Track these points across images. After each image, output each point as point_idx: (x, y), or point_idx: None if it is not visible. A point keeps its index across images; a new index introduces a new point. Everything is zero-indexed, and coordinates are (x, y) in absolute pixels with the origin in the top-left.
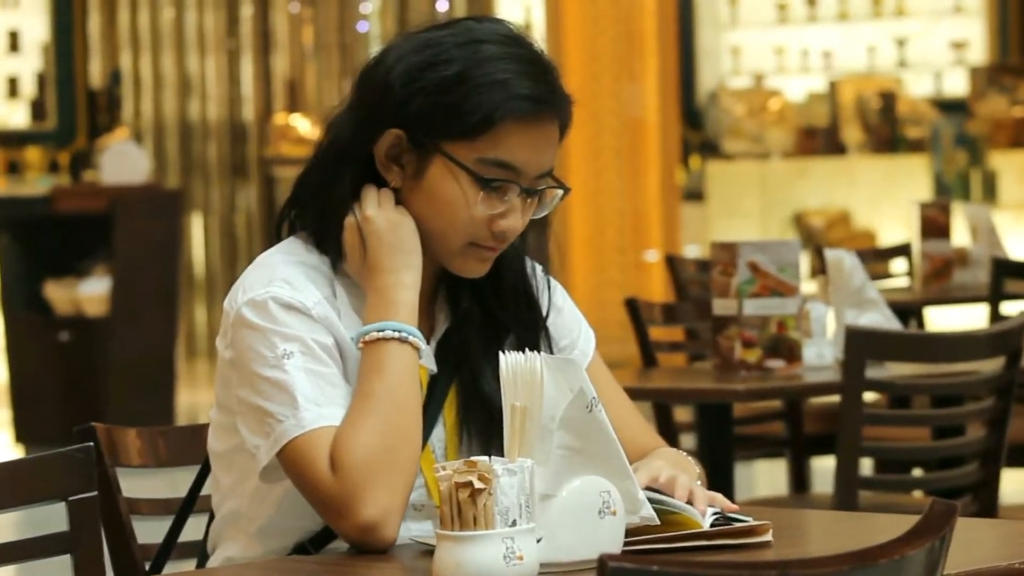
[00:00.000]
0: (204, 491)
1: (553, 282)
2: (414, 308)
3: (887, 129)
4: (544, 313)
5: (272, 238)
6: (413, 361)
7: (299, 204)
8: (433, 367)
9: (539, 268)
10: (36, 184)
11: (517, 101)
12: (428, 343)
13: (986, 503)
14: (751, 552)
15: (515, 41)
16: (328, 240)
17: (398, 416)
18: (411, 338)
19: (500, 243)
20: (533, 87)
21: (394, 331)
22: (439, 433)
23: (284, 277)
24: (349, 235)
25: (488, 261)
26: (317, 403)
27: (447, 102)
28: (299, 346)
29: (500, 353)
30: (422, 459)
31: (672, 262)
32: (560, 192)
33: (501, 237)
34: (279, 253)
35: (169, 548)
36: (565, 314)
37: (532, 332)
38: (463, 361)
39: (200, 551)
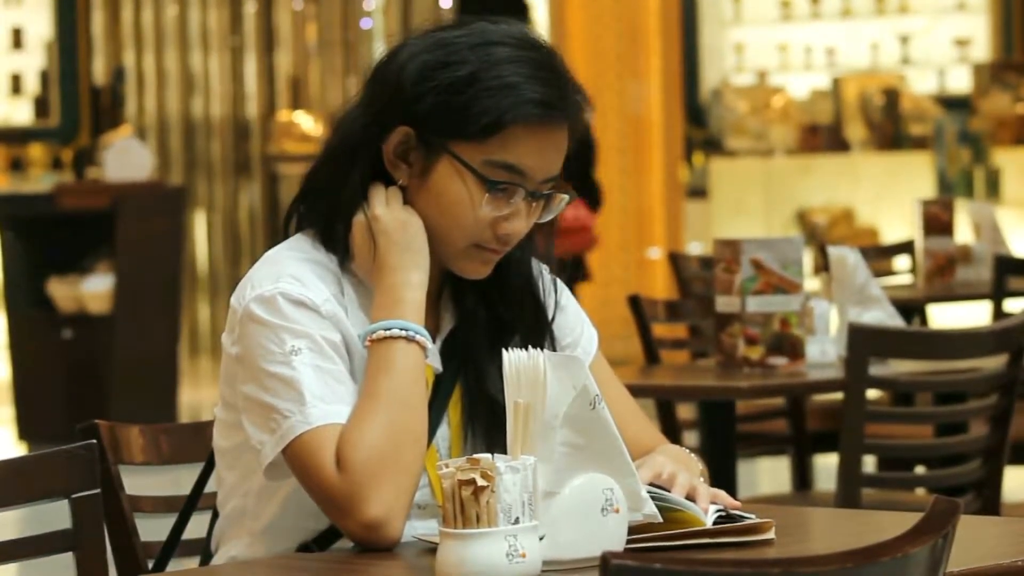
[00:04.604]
0: (208, 488)
1: (558, 282)
2: (421, 307)
3: (890, 126)
4: (550, 316)
5: (278, 235)
6: (420, 360)
7: (307, 200)
8: (438, 366)
9: (545, 269)
10: (39, 181)
11: (527, 106)
12: (433, 342)
13: (989, 501)
14: (754, 550)
15: (529, 45)
16: (335, 238)
17: (404, 415)
18: (418, 337)
19: (503, 246)
20: (544, 92)
21: (401, 329)
22: (444, 432)
23: (293, 273)
24: (358, 234)
25: (491, 263)
26: (324, 400)
27: (457, 103)
28: (307, 343)
29: (504, 350)
30: (426, 458)
31: (675, 259)
32: (566, 197)
33: (505, 240)
34: (287, 250)
35: (173, 546)
36: (568, 313)
37: (537, 334)
38: (468, 361)
39: (203, 549)
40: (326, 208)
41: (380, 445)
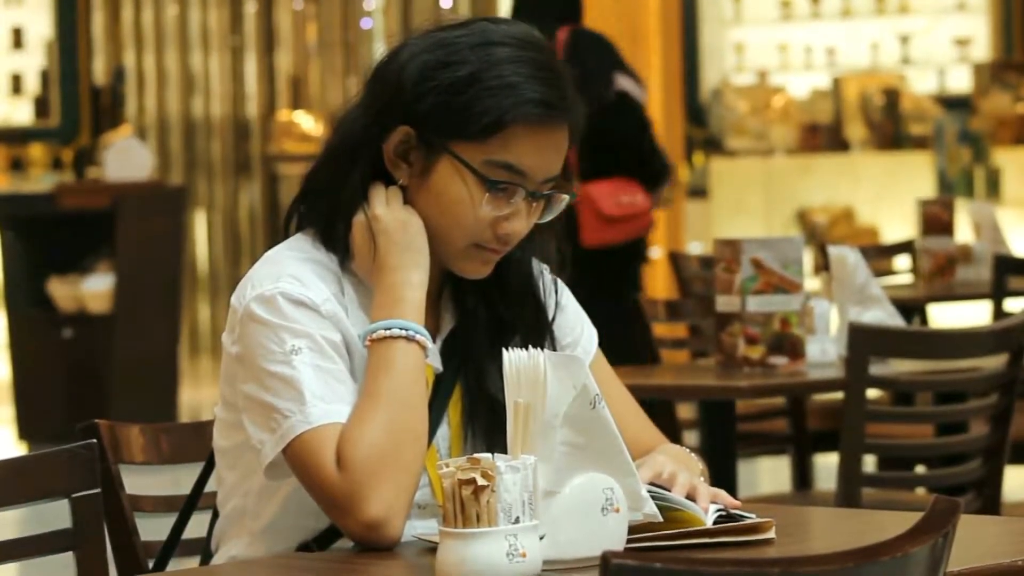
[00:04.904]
0: (208, 488)
1: (558, 282)
2: (421, 307)
3: (890, 126)
4: (551, 316)
5: (279, 234)
6: (420, 360)
7: (308, 200)
8: (439, 366)
9: (546, 269)
10: (40, 181)
11: (527, 105)
12: (434, 342)
13: (989, 500)
14: (754, 549)
15: (529, 45)
16: (335, 237)
17: (404, 414)
18: (418, 336)
19: (503, 246)
20: (544, 92)
21: (401, 329)
22: (444, 432)
23: (293, 273)
24: (358, 234)
25: (490, 263)
26: (324, 399)
27: (457, 103)
28: (307, 342)
29: (504, 350)
30: (426, 458)
31: (676, 259)
32: (566, 197)
33: (504, 240)
34: (287, 249)
35: (173, 546)
36: (568, 313)
37: (538, 334)
38: (468, 360)
39: (204, 549)
40: (326, 208)
41: (380, 444)
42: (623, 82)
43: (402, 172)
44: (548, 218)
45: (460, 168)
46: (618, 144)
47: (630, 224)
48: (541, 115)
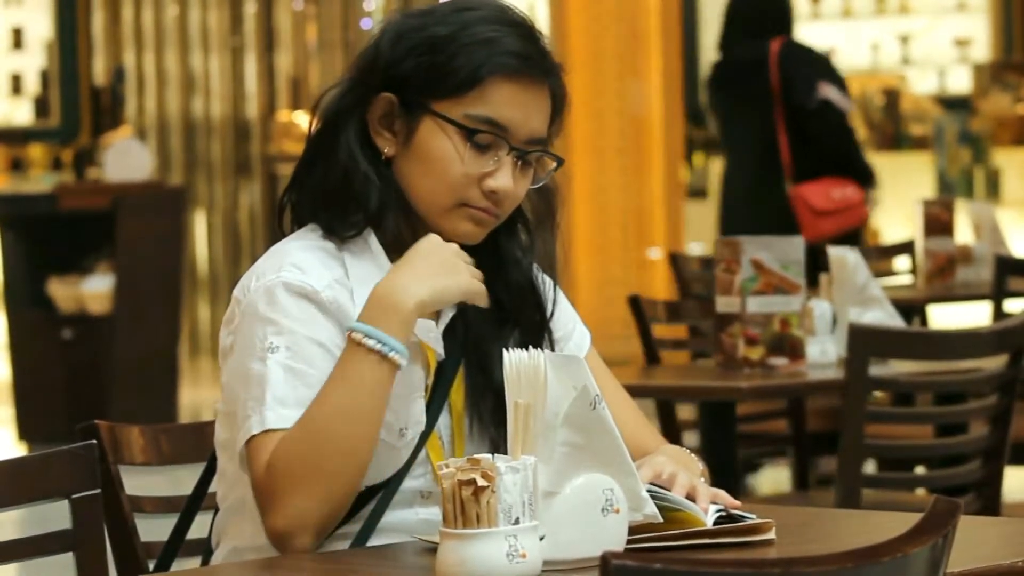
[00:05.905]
0: (210, 491)
1: (554, 283)
2: (411, 324)
3: (891, 126)
4: (548, 312)
5: (275, 230)
6: (386, 378)
7: (298, 184)
8: (441, 352)
9: (543, 272)
10: (40, 181)
11: (503, 57)
12: (436, 326)
13: (989, 501)
14: (754, 550)
15: (508, 11)
16: (331, 214)
17: (344, 428)
18: (392, 354)
19: (493, 205)
20: (521, 46)
21: (378, 343)
22: (445, 420)
23: (295, 262)
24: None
25: (482, 226)
26: (284, 404)
27: (435, 61)
28: (287, 341)
29: (504, 350)
30: (428, 445)
31: (675, 259)
32: (554, 163)
33: (492, 198)
34: (294, 240)
35: (176, 546)
36: (561, 309)
37: (536, 332)
38: (469, 348)
39: (205, 549)
40: (320, 187)
41: (304, 454)
42: (828, 91)
43: (387, 142)
44: (539, 184)
45: (442, 124)
46: (820, 147)
47: (843, 216)
48: (518, 67)
